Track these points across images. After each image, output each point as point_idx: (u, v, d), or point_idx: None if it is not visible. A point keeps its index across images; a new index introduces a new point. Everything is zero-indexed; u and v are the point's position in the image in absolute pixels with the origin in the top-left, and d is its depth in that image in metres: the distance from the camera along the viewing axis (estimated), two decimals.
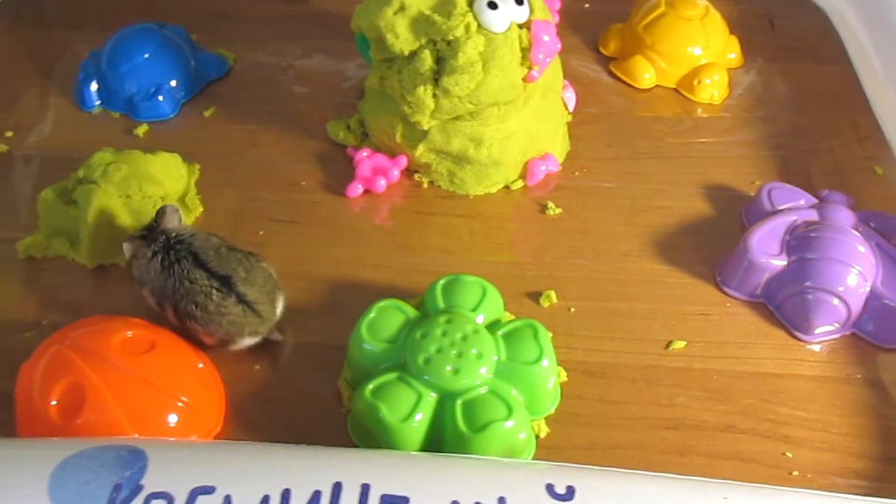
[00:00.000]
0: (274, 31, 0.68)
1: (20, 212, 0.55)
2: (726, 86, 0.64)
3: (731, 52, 0.67)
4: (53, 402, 0.40)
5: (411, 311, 0.44)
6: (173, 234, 0.45)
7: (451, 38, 0.48)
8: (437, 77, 0.49)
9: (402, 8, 0.49)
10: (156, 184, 0.52)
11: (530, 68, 0.51)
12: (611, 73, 0.66)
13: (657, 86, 0.65)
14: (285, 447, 0.37)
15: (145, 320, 0.45)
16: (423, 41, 0.49)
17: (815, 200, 0.54)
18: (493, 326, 0.44)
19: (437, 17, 0.48)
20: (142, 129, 0.60)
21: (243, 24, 0.69)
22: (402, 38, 0.49)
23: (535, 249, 0.53)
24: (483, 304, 0.45)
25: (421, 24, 0.49)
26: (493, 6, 0.48)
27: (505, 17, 0.49)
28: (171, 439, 0.39)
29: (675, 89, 0.65)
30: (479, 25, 0.48)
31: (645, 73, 0.64)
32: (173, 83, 0.62)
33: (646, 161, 0.59)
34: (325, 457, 0.35)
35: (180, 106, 0.62)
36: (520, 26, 0.50)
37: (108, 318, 0.45)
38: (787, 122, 0.62)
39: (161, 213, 0.46)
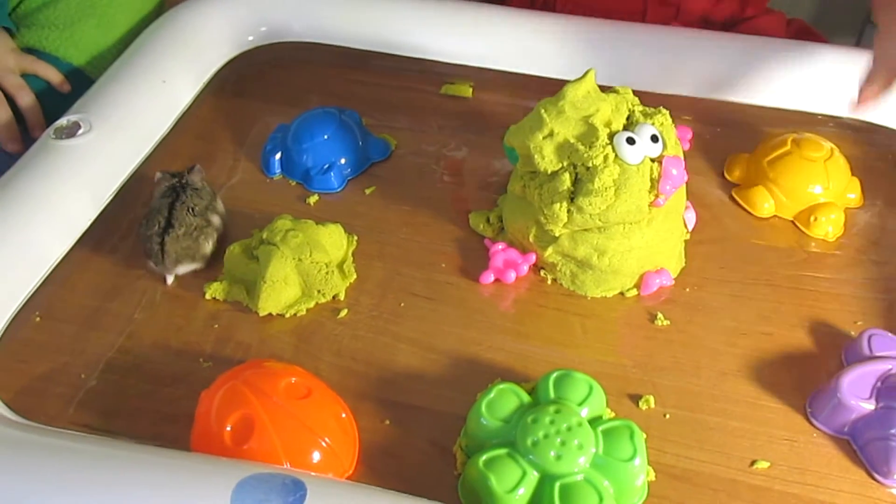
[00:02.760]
0: (434, 123, 0.78)
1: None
2: (842, 225, 0.68)
3: (852, 193, 0.71)
4: (228, 428, 0.49)
5: (525, 397, 0.51)
6: (184, 181, 0.64)
7: (590, 164, 0.56)
8: (572, 195, 0.57)
9: (550, 134, 0.57)
10: (323, 252, 0.62)
11: (657, 196, 0.57)
12: (732, 199, 0.71)
13: (775, 216, 0.70)
14: (417, 500, 0.44)
15: (304, 370, 0.54)
16: (565, 163, 0.57)
17: None
18: (594, 421, 0.50)
19: (580, 146, 0.56)
20: (313, 199, 0.71)
21: (408, 114, 0.79)
22: (547, 160, 0.57)
23: (641, 355, 0.59)
24: (588, 400, 0.51)
25: (565, 150, 0.57)
26: (631, 142, 0.56)
27: (640, 152, 0.56)
28: (322, 475, 0.47)
29: (792, 221, 0.69)
30: (616, 156, 0.56)
31: (765, 204, 0.69)
32: (343, 161, 0.72)
33: (754, 287, 0.64)
34: None
35: (346, 182, 0.72)
36: (652, 160, 0.57)
37: (275, 363, 0.54)
38: None
39: (192, 168, 0.65)
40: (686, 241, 0.67)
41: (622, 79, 0.78)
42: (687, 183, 0.66)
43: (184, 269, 0.63)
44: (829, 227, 0.68)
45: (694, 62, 0.80)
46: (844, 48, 0.81)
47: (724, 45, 0.80)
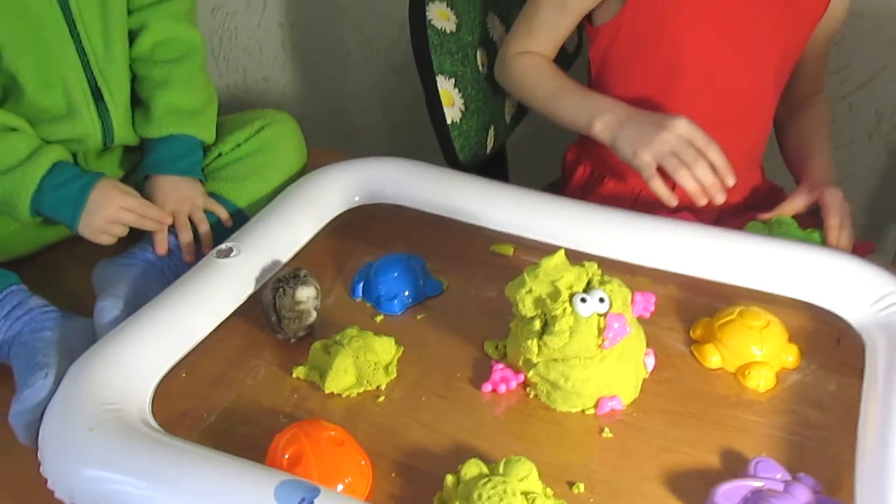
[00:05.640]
0: (480, 272, 1.05)
1: (298, 350, 0.94)
2: (772, 380, 0.88)
3: (789, 356, 0.90)
4: (286, 457, 0.75)
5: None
6: (290, 276, 0.91)
7: (553, 314, 0.80)
8: (541, 335, 0.81)
9: (529, 291, 0.82)
10: (375, 355, 0.89)
11: (603, 341, 0.81)
12: (691, 352, 0.93)
13: (721, 368, 0.90)
14: None
15: (344, 430, 0.80)
16: (538, 312, 0.82)
17: (790, 478, 0.75)
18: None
19: (548, 301, 0.81)
20: (379, 318, 0.99)
21: (460, 264, 1.06)
22: (526, 308, 0.82)
23: (583, 455, 0.80)
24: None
25: (538, 302, 0.82)
26: (583, 301, 0.80)
27: (590, 309, 0.80)
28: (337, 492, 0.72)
29: (733, 374, 0.89)
30: (573, 310, 0.80)
31: (713, 357, 0.90)
32: (406, 293, 1.00)
33: (689, 419, 0.84)
34: None
35: (406, 308, 1.00)
36: (599, 314, 0.81)
37: (326, 423, 0.80)
38: (812, 418, 0.84)
39: (306, 278, 0.92)
40: (645, 379, 0.88)
41: (623, 254, 1.03)
42: (656, 336, 0.89)
43: (301, 333, 0.94)
44: (760, 381, 0.87)
45: (686, 247, 1.03)
46: (814, 246, 1.02)
47: (717, 238, 1.03)
